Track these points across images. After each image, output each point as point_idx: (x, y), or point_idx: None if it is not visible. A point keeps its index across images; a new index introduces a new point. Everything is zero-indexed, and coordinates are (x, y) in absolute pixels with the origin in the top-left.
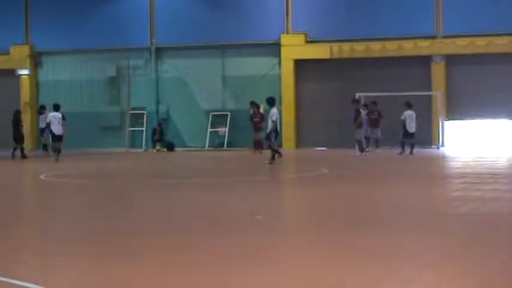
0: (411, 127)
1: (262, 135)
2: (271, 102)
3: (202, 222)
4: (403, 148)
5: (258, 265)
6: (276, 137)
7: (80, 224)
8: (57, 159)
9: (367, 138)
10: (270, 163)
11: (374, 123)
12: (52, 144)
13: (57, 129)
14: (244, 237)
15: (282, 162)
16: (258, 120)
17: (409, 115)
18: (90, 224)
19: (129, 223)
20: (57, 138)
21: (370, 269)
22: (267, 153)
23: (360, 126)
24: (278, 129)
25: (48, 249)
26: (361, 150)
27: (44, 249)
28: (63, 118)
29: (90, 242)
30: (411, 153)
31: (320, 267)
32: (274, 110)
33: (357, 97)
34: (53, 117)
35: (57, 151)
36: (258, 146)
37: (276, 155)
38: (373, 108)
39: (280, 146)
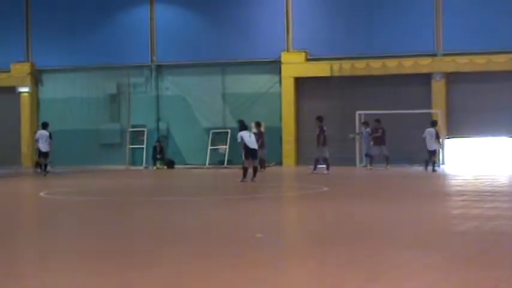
0: (429, 145)
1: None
2: (241, 127)
3: (203, 240)
4: (426, 166)
5: (258, 282)
6: (247, 155)
7: (92, 242)
8: (44, 175)
9: (371, 156)
10: (242, 181)
11: (379, 140)
12: (39, 160)
13: (43, 146)
14: (243, 255)
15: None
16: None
17: (429, 133)
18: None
19: (128, 242)
20: (43, 155)
21: (372, 285)
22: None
23: (323, 144)
24: (251, 147)
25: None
26: (315, 168)
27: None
28: (50, 137)
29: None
30: (426, 169)
31: (320, 284)
32: (240, 133)
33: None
34: (40, 135)
35: (44, 166)
36: (261, 163)
37: (247, 174)
38: (377, 126)
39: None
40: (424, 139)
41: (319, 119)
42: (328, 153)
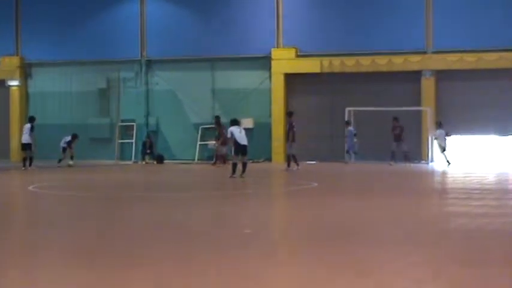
0: (444, 143)
1: (223, 149)
2: (231, 122)
3: (192, 236)
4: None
5: (248, 279)
6: (236, 152)
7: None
8: (26, 168)
9: (392, 152)
10: (231, 176)
11: (398, 137)
12: (22, 153)
13: (23, 138)
14: (231, 251)
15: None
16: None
17: (442, 133)
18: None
19: (117, 238)
20: (24, 147)
21: (360, 282)
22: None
23: (292, 140)
24: (241, 143)
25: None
26: (288, 165)
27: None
28: (32, 129)
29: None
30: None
31: (310, 281)
32: (230, 128)
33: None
34: (24, 127)
35: (29, 159)
36: (218, 159)
37: (236, 169)
38: (395, 124)
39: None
40: (437, 138)
41: (290, 114)
42: (296, 150)
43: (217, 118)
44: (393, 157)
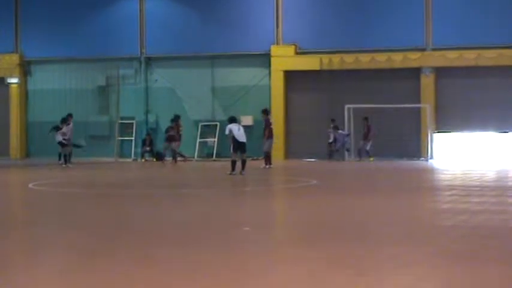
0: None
1: (172, 145)
2: (229, 119)
3: (192, 233)
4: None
5: (248, 277)
6: (235, 149)
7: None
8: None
9: (359, 150)
10: (230, 174)
11: (364, 136)
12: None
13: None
14: (231, 249)
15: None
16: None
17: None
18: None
19: (116, 236)
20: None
21: (361, 280)
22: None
23: (268, 137)
24: (240, 141)
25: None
26: (270, 162)
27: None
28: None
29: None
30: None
31: (309, 279)
32: (228, 126)
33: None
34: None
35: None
36: (173, 156)
37: (235, 167)
38: (365, 123)
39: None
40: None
41: (266, 112)
42: (272, 148)
43: (176, 118)
44: (360, 154)
